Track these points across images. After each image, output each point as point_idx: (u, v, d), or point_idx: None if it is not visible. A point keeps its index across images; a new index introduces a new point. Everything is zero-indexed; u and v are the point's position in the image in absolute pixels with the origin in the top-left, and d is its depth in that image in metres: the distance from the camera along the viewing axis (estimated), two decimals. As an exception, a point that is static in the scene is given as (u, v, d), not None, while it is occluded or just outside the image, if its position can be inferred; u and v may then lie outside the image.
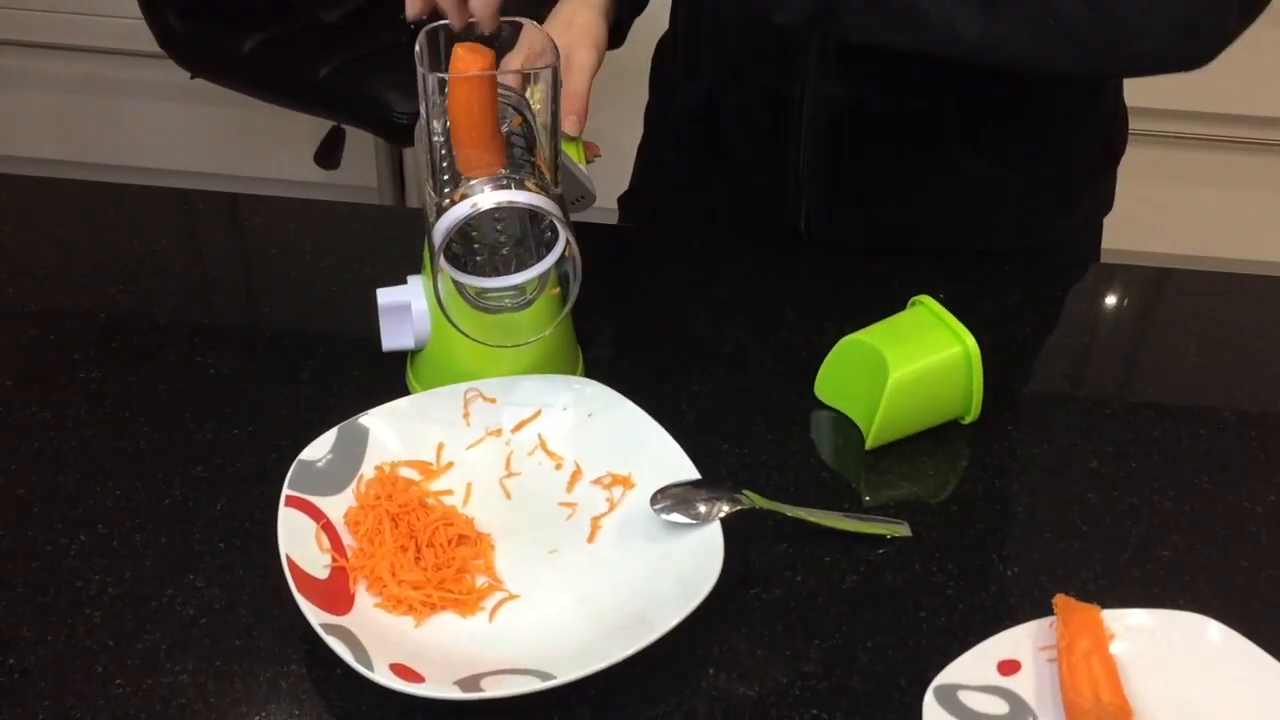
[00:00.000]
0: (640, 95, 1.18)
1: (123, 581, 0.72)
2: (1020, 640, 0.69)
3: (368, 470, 0.76)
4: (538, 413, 0.81)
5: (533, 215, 0.80)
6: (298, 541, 0.70)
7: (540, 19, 0.98)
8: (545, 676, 0.64)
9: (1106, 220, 1.14)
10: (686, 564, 0.70)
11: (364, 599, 0.70)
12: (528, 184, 0.75)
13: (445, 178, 0.77)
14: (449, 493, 0.77)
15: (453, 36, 0.76)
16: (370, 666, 0.63)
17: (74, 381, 0.86)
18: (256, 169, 2.36)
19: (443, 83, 0.74)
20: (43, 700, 0.66)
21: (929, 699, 0.65)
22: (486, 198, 0.73)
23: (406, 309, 0.82)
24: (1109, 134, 1.08)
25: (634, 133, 1.19)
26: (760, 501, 0.75)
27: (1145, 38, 0.78)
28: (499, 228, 0.82)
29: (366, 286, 0.84)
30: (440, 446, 0.79)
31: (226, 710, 0.66)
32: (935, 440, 0.84)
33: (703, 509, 0.73)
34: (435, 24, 0.77)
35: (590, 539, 0.75)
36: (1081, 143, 1.06)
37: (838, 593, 0.73)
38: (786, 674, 0.69)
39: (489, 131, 0.74)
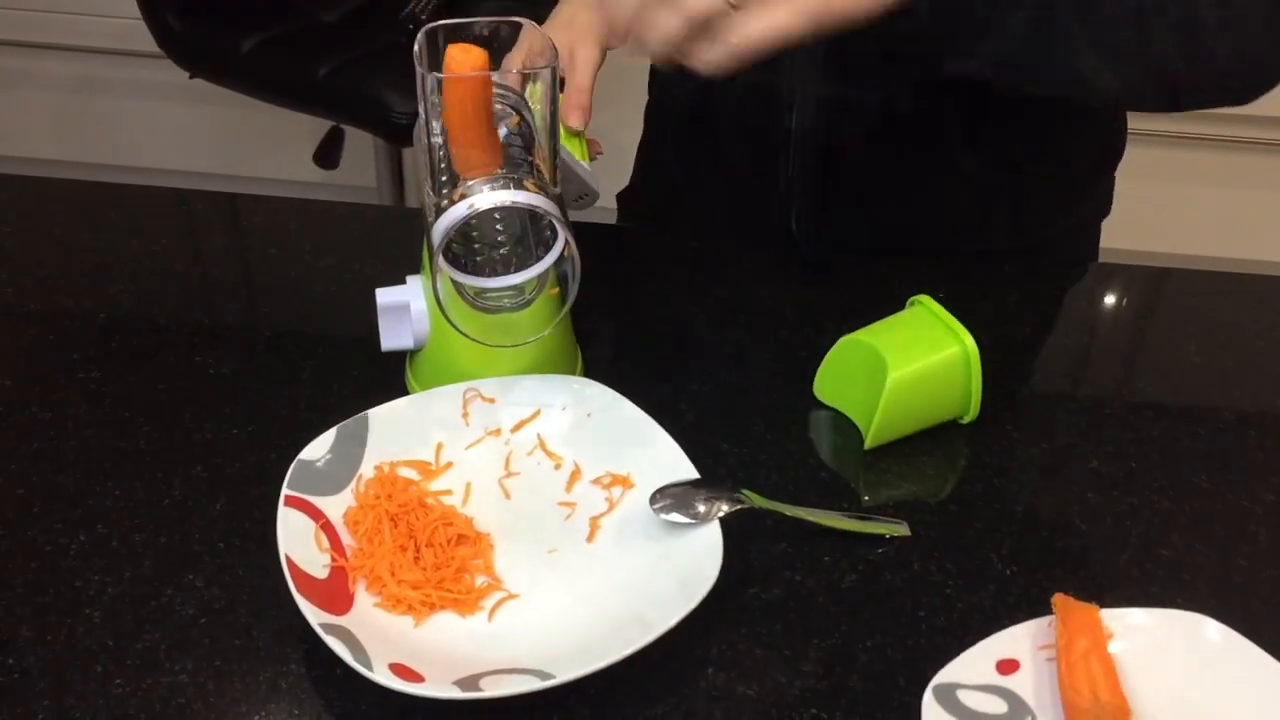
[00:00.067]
0: (641, 95, 1.18)
1: (122, 581, 0.72)
2: (1019, 639, 0.69)
3: (367, 470, 0.77)
4: (537, 412, 0.81)
5: (532, 215, 0.80)
6: (297, 541, 0.70)
7: (540, 19, 0.98)
8: (544, 676, 0.64)
9: (1106, 220, 1.14)
10: (686, 564, 0.71)
11: (363, 599, 0.70)
12: (526, 184, 0.75)
13: (444, 178, 0.77)
14: (448, 492, 0.77)
15: (451, 36, 0.76)
16: (369, 666, 0.63)
17: (73, 381, 0.86)
18: (255, 169, 2.36)
19: (441, 83, 0.74)
20: (42, 700, 0.66)
21: (928, 698, 0.65)
22: (485, 198, 0.73)
23: (405, 309, 0.82)
24: (1108, 135, 1.08)
25: (634, 131, 1.19)
26: (759, 501, 0.75)
27: (1233, 80, 0.80)
28: (499, 227, 0.82)
29: (366, 286, 0.84)
30: (439, 446, 0.79)
31: (226, 710, 0.66)
32: (934, 440, 0.84)
33: (702, 509, 0.73)
34: (434, 24, 0.77)
35: (589, 539, 0.75)
36: (1081, 143, 1.06)
37: (837, 592, 0.74)
38: (785, 673, 0.69)
39: (485, 131, 0.74)
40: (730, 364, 0.91)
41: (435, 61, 0.74)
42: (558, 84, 0.77)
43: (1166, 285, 1.05)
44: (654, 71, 1.16)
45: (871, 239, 1.03)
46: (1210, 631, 0.69)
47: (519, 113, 0.83)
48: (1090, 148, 1.07)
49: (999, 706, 0.66)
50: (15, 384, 0.86)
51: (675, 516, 0.72)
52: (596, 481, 0.78)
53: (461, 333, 0.79)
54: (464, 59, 0.72)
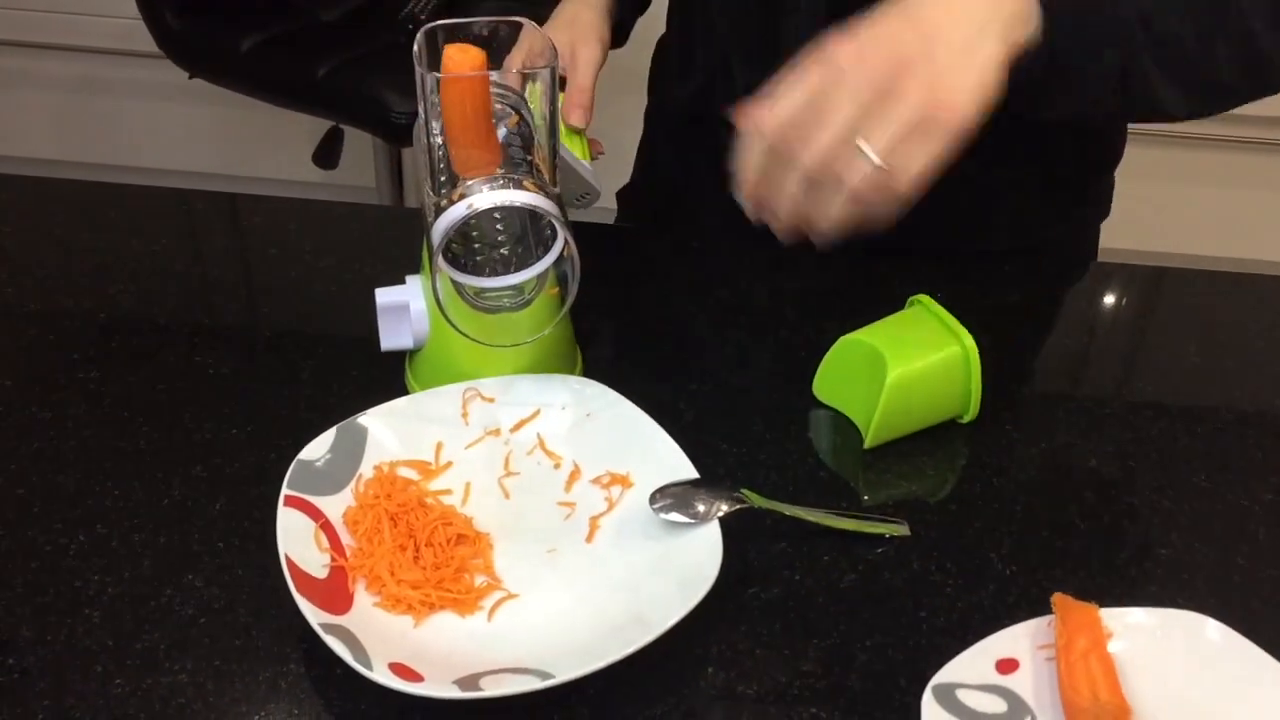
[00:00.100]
0: (641, 95, 1.18)
1: (122, 581, 0.72)
2: (1019, 639, 0.69)
3: (366, 470, 0.77)
4: (536, 412, 0.81)
5: (532, 214, 0.80)
6: (296, 541, 0.70)
7: (541, 19, 0.98)
8: (544, 676, 0.64)
9: (1105, 220, 1.14)
10: (685, 563, 0.71)
11: (363, 598, 0.70)
12: (526, 184, 0.75)
13: (443, 178, 0.77)
14: (448, 492, 0.77)
15: (451, 36, 0.77)
16: (369, 666, 0.63)
17: (73, 381, 0.86)
18: (255, 169, 2.36)
19: (440, 83, 0.74)
20: (42, 700, 0.66)
21: (927, 697, 0.65)
22: (484, 198, 0.73)
23: (405, 309, 0.82)
24: (1108, 136, 1.08)
25: (635, 131, 1.19)
26: (759, 501, 0.75)
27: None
28: (498, 227, 0.82)
29: (365, 286, 0.84)
30: (439, 446, 0.79)
31: (225, 710, 0.66)
32: (934, 440, 0.84)
33: (701, 508, 0.73)
34: (434, 24, 0.77)
35: (589, 538, 0.75)
36: (1080, 144, 1.06)
37: (836, 592, 0.74)
38: (785, 673, 0.69)
39: (483, 131, 0.74)
40: (730, 364, 0.91)
41: (435, 61, 0.74)
42: (557, 84, 0.78)
43: (1166, 285, 1.05)
44: (654, 73, 1.16)
45: (870, 239, 1.03)
46: (1210, 631, 0.69)
47: (518, 112, 0.83)
48: (1090, 149, 1.07)
49: (999, 706, 0.66)
50: (15, 384, 0.86)
51: (675, 516, 0.73)
52: (596, 481, 0.78)
53: (461, 332, 0.79)
54: (462, 59, 0.73)
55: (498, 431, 0.81)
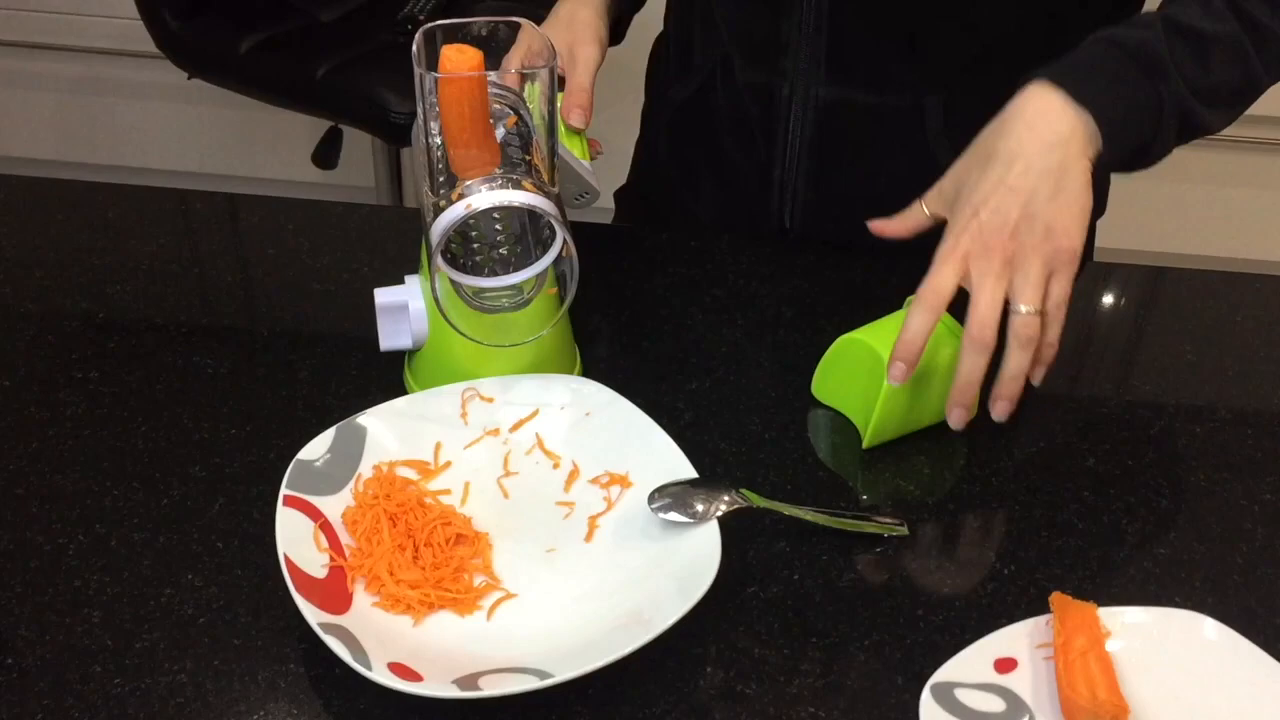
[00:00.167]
0: (640, 94, 1.18)
1: (121, 581, 0.72)
2: (1017, 638, 0.69)
3: (365, 470, 0.77)
4: (535, 412, 0.81)
5: (531, 214, 0.80)
6: (296, 541, 0.70)
7: (539, 19, 0.98)
8: (543, 675, 0.64)
9: (1103, 219, 1.14)
10: (684, 563, 0.71)
11: (362, 598, 0.70)
12: (525, 184, 0.75)
13: (442, 178, 0.77)
14: (447, 492, 0.77)
15: (449, 36, 0.77)
16: (368, 665, 0.63)
17: (72, 381, 0.86)
18: (254, 169, 2.36)
19: (438, 83, 0.75)
20: (41, 700, 0.66)
21: (926, 696, 0.65)
22: (482, 198, 0.74)
23: (404, 309, 0.82)
24: None
25: (633, 131, 1.19)
26: (758, 500, 0.75)
27: None
28: (497, 227, 0.82)
29: (364, 286, 0.84)
30: (438, 446, 0.79)
31: (225, 709, 0.66)
32: (932, 439, 0.84)
33: (700, 508, 0.73)
34: (432, 24, 0.77)
35: (588, 538, 0.75)
36: None
37: (835, 591, 0.74)
38: (784, 672, 0.69)
39: (482, 131, 0.74)
40: (728, 363, 0.91)
41: (433, 61, 0.74)
42: (556, 83, 0.78)
43: (1163, 284, 1.05)
44: (651, 72, 1.16)
45: (864, 236, 1.03)
46: (1207, 629, 0.69)
47: (517, 112, 0.83)
48: None
49: (997, 705, 0.66)
50: (14, 384, 0.86)
51: (673, 516, 0.73)
52: (595, 481, 0.78)
53: (460, 332, 0.79)
54: (459, 59, 0.73)
55: (497, 431, 0.81)
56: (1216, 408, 0.89)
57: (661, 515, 0.73)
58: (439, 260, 0.76)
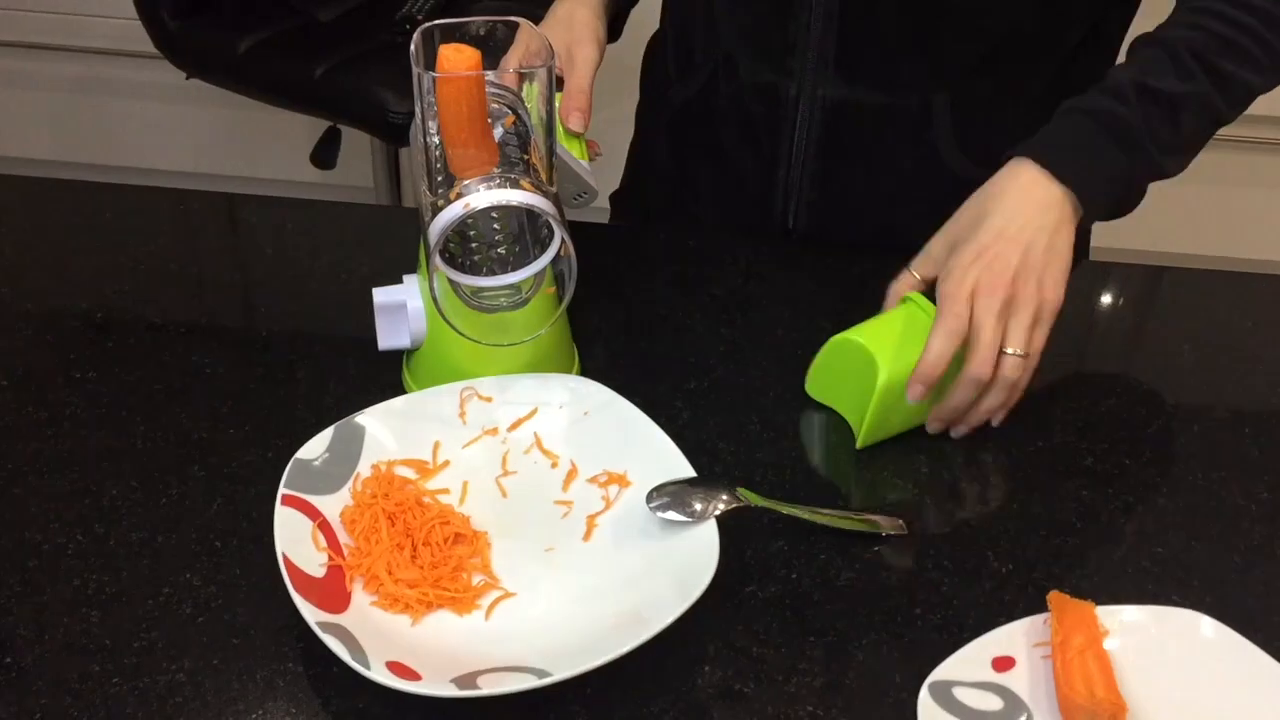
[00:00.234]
0: (636, 94, 1.18)
1: (120, 580, 0.72)
2: (1015, 637, 0.69)
3: (364, 469, 0.77)
4: (534, 411, 0.81)
5: (529, 214, 0.80)
6: (294, 540, 0.71)
7: (537, 19, 0.98)
8: (541, 674, 0.64)
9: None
10: (682, 561, 0.71)
11: (360, 597, 0.70)
12: (523, 183, 0.75)
13: (440, 178, 0.77)
14: (445, 491, 0.77)
15: (447, 36, 0.77)
16: (367, 665, 0.63)
17: (71, 381, 0.86)
18: (253, 169, 2.36)
19: (436, 82, 0.75)
20: (40, 699, 0.66)
21: (924, 695, 0.65)
22: (480, 197, 0.74)
23: (402, 308, 0.82)
24: None
25: (630, 132, 1.19)
26: (756, 499, 0.75)
27: None
28: (495, 226, 0.82)
29: (362, 286, 0.84)
30: (436, 445, 0.79)
31: (223, 708, 0.66)
32: (930, 438, 0.84)
33: (698, 507, 0.73)
34: (431, 24, 0.77)
35: (586, 537, 0.75)
36: None
37: (833, 590, 0.74)
38: (782, 671, 0.69)
39: (480, 131, 0.74)
40: (727, 363, 0.91)
41: (431, 61, 0.74)
42: (554, 83, 0.78)
43: (1162, 284, 1.05)
44: (647, 70, 1.16)
45: (869, 237, 1.03)
46: (1205, 628, 0.69)
47: (515, 112, 0.83)
48: None
49: (995, 704, 0.66)
50: (12, 384, 0.86)
51: (672, 515, 0.73)
52: (593, 480, 0.78)
53: (458, 332, 0.79)
54: (457, 59, 0.73)
55: (495, 431, 0.81)
56: (1215, 407, 0.89)
57: (660, 514, 0.73)
58: (437, 260, 0.76)
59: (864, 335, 0.83)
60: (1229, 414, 0.88)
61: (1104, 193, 0.85)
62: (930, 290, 0.84)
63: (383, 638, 0.67)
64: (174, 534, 0.75)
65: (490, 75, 0.81)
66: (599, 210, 1.09)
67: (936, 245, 0.86)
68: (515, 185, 0.74)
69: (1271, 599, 0.74)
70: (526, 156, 0.80)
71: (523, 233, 0.82)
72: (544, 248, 0.79)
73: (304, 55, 1.79)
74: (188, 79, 1.87)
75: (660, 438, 0.77)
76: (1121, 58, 0.91)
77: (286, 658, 0.68)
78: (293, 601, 0.66)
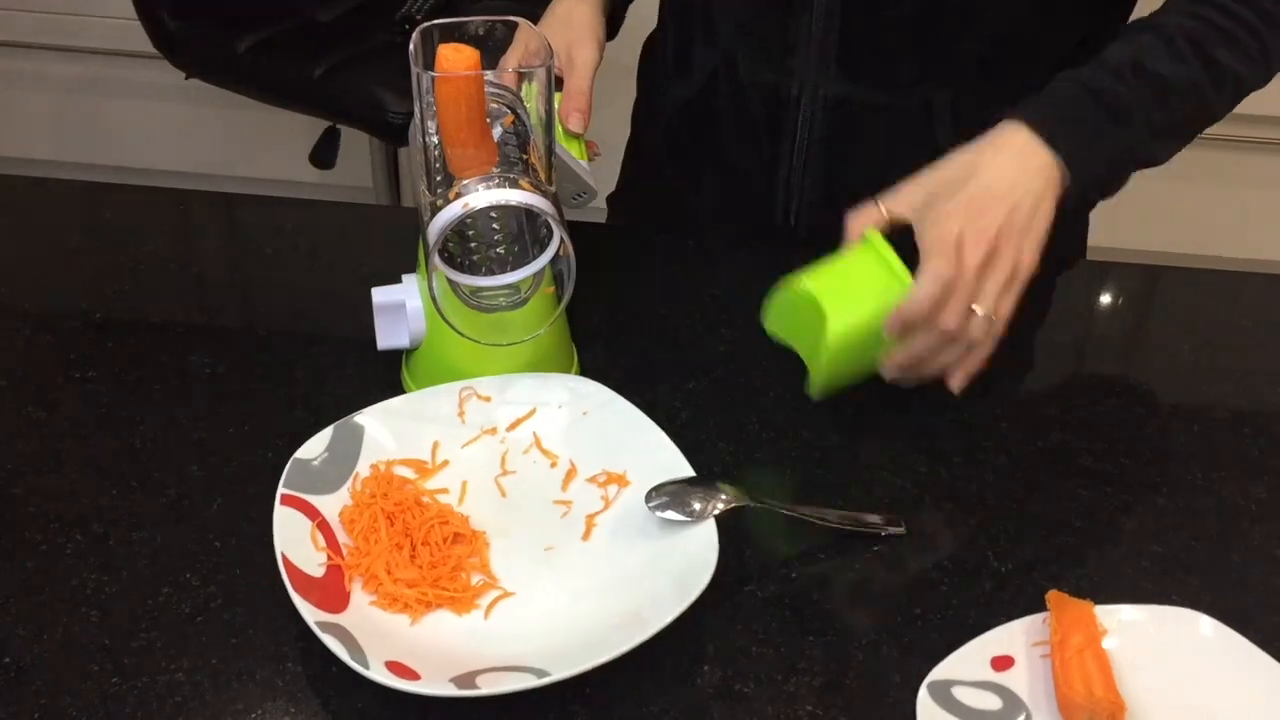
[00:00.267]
0: (633, 94, 1.18)
1: (118, 580, 0.72)
2: (1014, 636, 0.69)
3: (363, 469, 0.77)
4: (533, 411, 0.81)
5: (528, 213, 0.80)
6: (293, 540, 0.71)
7: (536, 19, 0.98)
8: (541, 674, 0.64)
9: (1095, 218, 1.14)
10: (681, 561, 0.71)
11: (359, 597, 0.70)
12: (521, 183, 0.75)
13: (439, 177, 0.77)
14: (444, 491, 0.77)
15: (446, 36, 0.77)
16: (366, 664, 0.63)
17: (69, 381, 0.86)
18: (252, 169, 2.36)
19: (435, 82, 0.75)
20: (39, 699, 0.66)
21: (923, 694, 0.65)
22: (479, 197, 0.74)
23: (401, 308, 0.82)
24: None
25: (627, 132, 1.19)
26: (755, 499, 0.75)
27: None
28: (494, 226, 0.82)
29: (361, 285, 0.84)
30: (435, 445, 0.79)
31: (222, 708, 0.66)
32: (929, 438, 0.84)
33: (697, 506, 0.73)
34: (430, 23, 0.77)
35: (585, 537, 0.75)
36: None
37: (832, 589, 0.74)
38: (781, 670, 0.69)
39: (479, 130, 0.74)
40: (726, 362, 0.91)
41: (430, 61, 0.74)
42: (553, 82, 0.78)
43: (1160, 283, 1.05)
44: (644, 70, 1.15)
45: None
46: (1203, 627, 0.69)
47: (514, 111, 0.83)
48: None
49: (994, 703, 0.66)
50: (11, 384, 0.86)
51: (671, 514, 0.73)
52: (592, 480, 0.78)
53: (457, 331, 0.79)
54: (456, 58, 0.73)
55: (494, 430, 0.81)
56: (1213, 406, 0.89)
57: (659, 514, 0.73)
58: (436, 259, 0.76)
59: (818, 283, 0.80)
60: (1228, 414, 0.88)
61: (1094, 168, 0.84)
62: (891, 235, 0.81)
63: (382, 637, 0.67)
64: (173, 534, 0.75)
65: (489, 75, 0.81)
66: (597, 210, 1.09)
67: (914, 190, 0.83)
68: (514, 185, 0.74)
69: (1270, 598, 0.74)
70: (525, 156, 0.80)
71: (522, 232, 0.82)
72: (543, 247, 0.79)
73: (303, 55, 1.79)
74: (187, 79, 1.87)
75: (659, 437, 0.77)
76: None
77: (285, 657, 0.68)
78: (292, 601, 0.66)
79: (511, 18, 0.83)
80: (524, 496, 0.78)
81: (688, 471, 0.75)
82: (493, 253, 0.81)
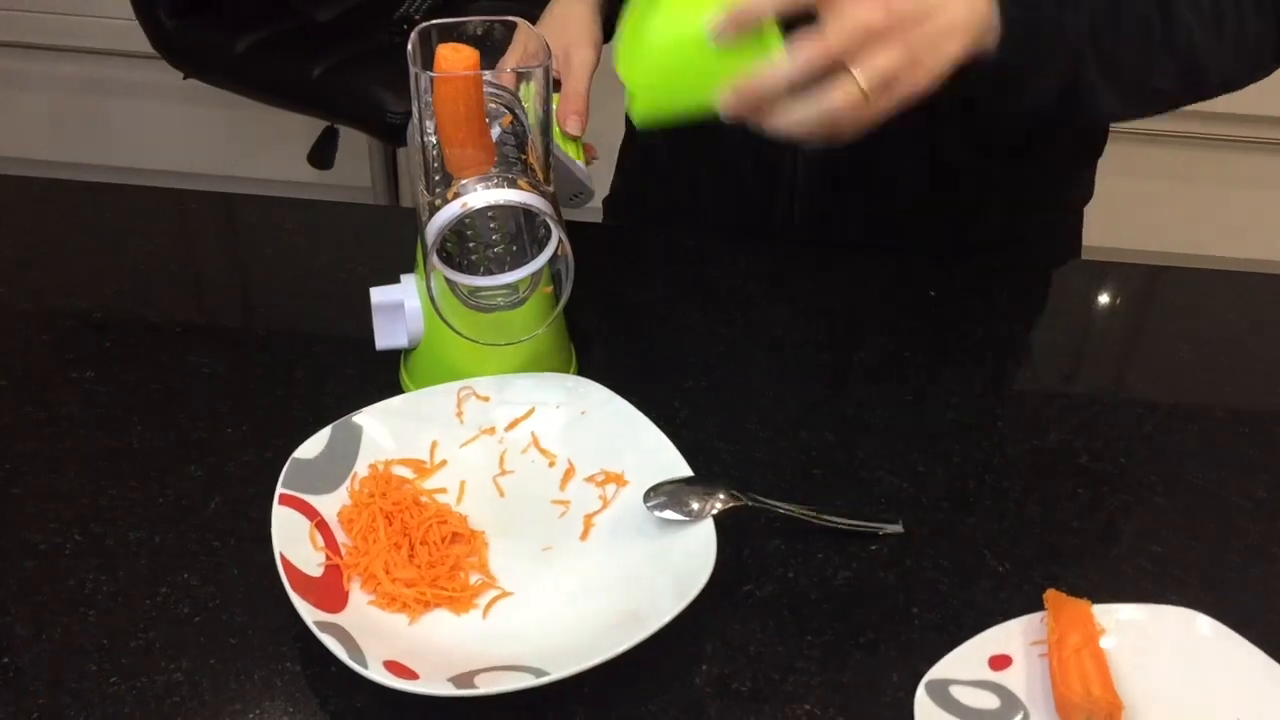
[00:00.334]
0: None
1: (117, 580, 0.72)
2: (1011, 635, 0.69)
3: (361, 469, 0.77)
4: (531, 411, 0.81)
5: (526, 213, 0.80)
6: (291, 540, 0.71)
7: (535, 19, 0.98)
8: (539, 673, 0.64)
9: (1094, 218, 1.15)
10: (679, 561, 0.71)
11: (358, 597, 0.70)
12: (520, 183, 0.75)
13: (437, 177, 0.77)
14: (442, 491, 0.77)
15: (445, 36, 0.77)
16: (364, 664, 0.63)
17: (68, 381, 0.86)
18: (250, 169, 2.36)
19: (433, 82, 0.75)
20: (37, 699, 0.66)
21: (921, 694, 0.65)
22: (478, 197, 0.74)
23: (400, 308, 0.82)
24: (1090, 126, 1.09)
25: (621, 134, 1.19)
26: (753, 499, 0.75)
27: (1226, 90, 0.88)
28: (492, 226, 0.82)
29: (360, 285, 0.84)
30: (434, 445, 0.79)
31: (221, 708, 0.66)
32: (927, 437, 0.84)
33: (696, 506, 0.73)
34: (428, 23, 0.77)
35: (583, 536, 0.75)
36: (1064, 134, 1.06)
37: (830, 589, 0.74)
38: (779, 670, 0.69)
39: (477, 130, 0.75)
40: (725, 362, 0.91)
41: (429, 60, 0.74)
42: (551, 83, 0.78)
43: (1158, 283, 1.05)
44: None
45: (868, 231, 1.03)
46: (1201, 626, 0.69)
47: (512, 112, 0.83)
48: (1075, 138, 1.08)
49: (991, 702, 0.66)
50: (10, 384, 0.86)
51: (669, 514, 0.73)
52: (591, 479, 0.78)
53: (455, 331, 0.79)
54: (454, 58, 0.73)
55: (492, 430, 0.81)
56: (1212, 406, 0.89)
57: (657, 513, 0.73)
58: (434, 259, 0.76)
59: None
60: (1227, 413, 0.89)
61: (1026, 43, 0.77)
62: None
63: (380, 637, 0.67)
64: (172, 534, 0.75)
65: (488, 75, 0.81)
66: (596, 211, 1.09)
67: None
68: (512, 185, 0.74)
69: (1268, 598, 0.74)
70: (524, 156, 0.80)
71: (520, 232, 0.82)
72: (541, 247, 0.79)
73: (302, 55, 1.79)
74: (185, 79, 1.88)
75: (657, 437, 0.77)
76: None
77: (284, 657, 0.68)
78: (290, 601, 0.66)
79: (510, 18, 0.83)
80: (522, 496, 0.78)
81: (686, 471, 0.75)
82: (491, 252, 0.81)
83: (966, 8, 0.74)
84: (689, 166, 1.10)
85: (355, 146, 2.08)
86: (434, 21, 0.77)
